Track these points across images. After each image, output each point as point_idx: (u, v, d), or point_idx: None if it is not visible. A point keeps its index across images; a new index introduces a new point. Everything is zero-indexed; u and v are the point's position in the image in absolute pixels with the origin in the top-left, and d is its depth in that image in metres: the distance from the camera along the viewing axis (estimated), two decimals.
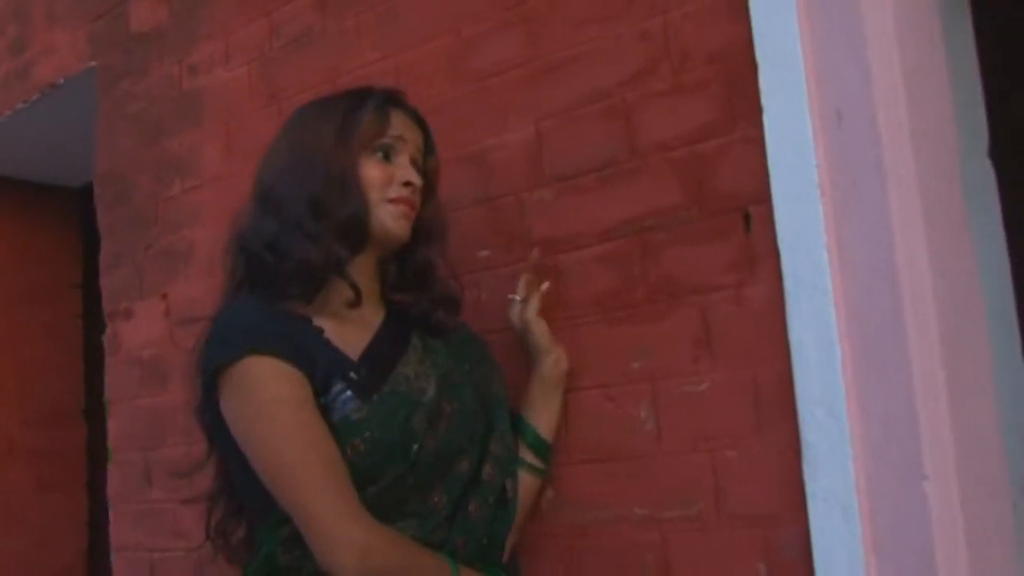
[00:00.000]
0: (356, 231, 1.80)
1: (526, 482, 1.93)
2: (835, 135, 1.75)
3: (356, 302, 1.81)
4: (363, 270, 1.84)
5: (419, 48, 2.32)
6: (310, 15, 2.55)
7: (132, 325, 2.95)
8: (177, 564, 2.75)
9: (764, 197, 1.81)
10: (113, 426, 2.99)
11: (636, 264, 1.95)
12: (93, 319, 3.89)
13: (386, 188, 1.82)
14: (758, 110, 1.82)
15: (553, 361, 1.97)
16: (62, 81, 3.26)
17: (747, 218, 1.83)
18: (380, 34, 2.41)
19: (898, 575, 1.65)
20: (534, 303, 1.98)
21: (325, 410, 1.70)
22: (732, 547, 1.82)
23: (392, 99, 1.89)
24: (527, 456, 1.95)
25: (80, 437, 4.12)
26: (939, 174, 1.78)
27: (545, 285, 1.99)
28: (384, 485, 1.71)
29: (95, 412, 3.95)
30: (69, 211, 4.24)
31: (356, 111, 1.84)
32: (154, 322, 2.88)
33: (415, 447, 1.73)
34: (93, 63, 3.14)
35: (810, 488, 1.72)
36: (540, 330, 1.97)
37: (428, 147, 1.93)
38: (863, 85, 1.73)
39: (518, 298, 1.99)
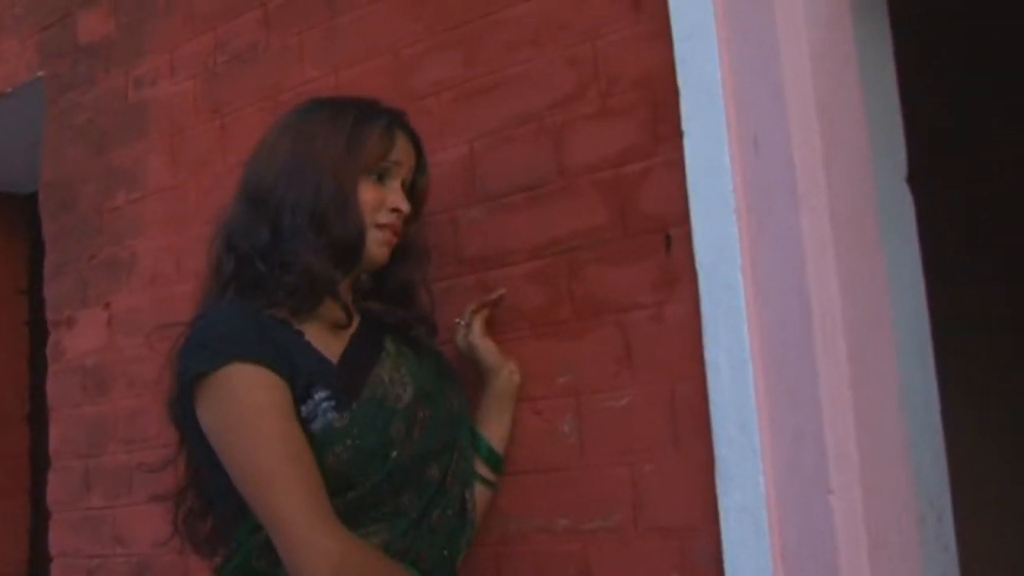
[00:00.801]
0: (352, 253, 1.82)
1: (478, 494, 1.96)
2: (752, 161, 1.82)
3: (347, 324, 1.83)
4: (344, 286, 1.86)
5: (359, 66, 2.37)
6: (254, 32, 2.59)
7: (75, 333, 2.97)
8: (115, 570, 2.77)
9: (684, 219, 1.87)
10: (54, 433, 3.01)
11: (563, 282, 2.01)
12: (40, 326, 3.89)
13: (376, 212, 1.83)
14: (679, 135, 1.88)
15: (506, 376, 2.01)
16: (10, 90, 3.29)
17: (668, 239, 1.89)
18: (322, 52, 2.45)
19: None
20: (476, 326, 2.02)
21: (307, 418, 1.71)
22: (649, 557, 1.88)
23: (398, 121, 1.90)
24: (480, 469, 1.98)
25: (23, 443, 4.12)
26: (852, 200, 1.84)
27: (485, 312, 2.03)
28: (363, 491, 1.74)
29: (39, 418, 3.95)
30: (17, 218, 4.25)
31: (364, 128, 1.83)
32: (97, 331, 2.90)
33: (393, 454, 1.76)
34: (41, 73, 3.16)
35: (723, 501, 1.78)
36: (486, 349, 2.01)
37: (420, 167, 1.94)
38: (779, 114, 1.79)
39: (462, 323, 2.03)
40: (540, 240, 2.05)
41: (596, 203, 1.99)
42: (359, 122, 1.84)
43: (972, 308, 3.66)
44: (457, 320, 2.04)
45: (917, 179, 2.04)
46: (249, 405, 1.69)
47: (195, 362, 1.72)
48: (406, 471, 1.79)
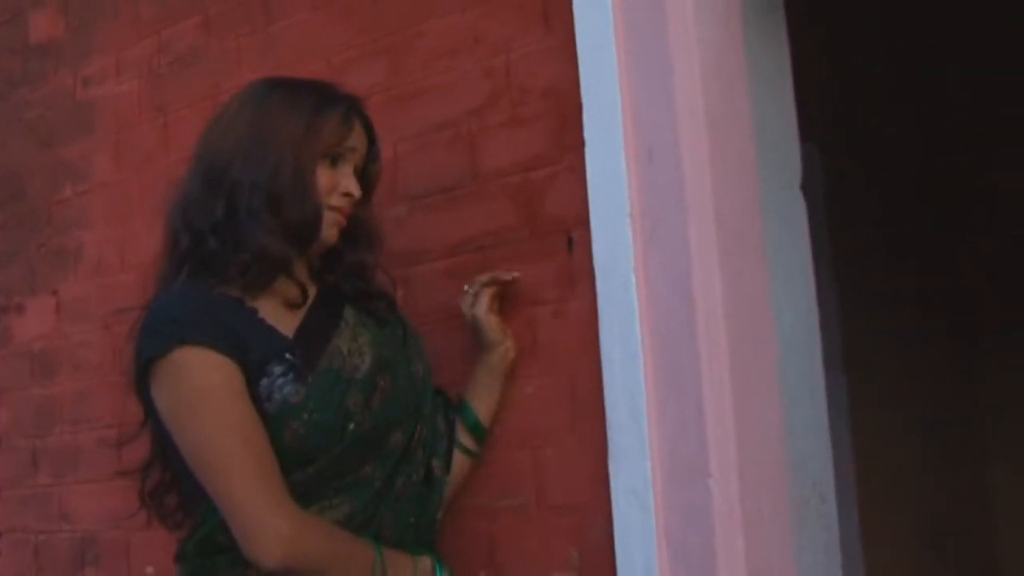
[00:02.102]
0: (307, 235, 1.84)
1: (460, 463, 2.02)
2: (646, 171, 1.96)
3: (301, 302, 1.85)
4: (299, 265, 1.88)
5: (293, 71, 2.45)
6: (196, 36, 2.72)
7: (24, 320, 3.08)
8: (60, 545, 2.89)
9: (585, 223, 2.01)
10: (3, 415, 3.12)
11: (475, 278, 2.13)
12: None
13: (329, 195, 1.85)
14: (582, 144, 2.02)
15: (502, 353, 2.06)
16: None
17: (570, 241, 2.04)
18: (259, 56, 2.58)
19: (685, 562, 1.86)
20: (484, 300, 2.05)
21: (265, 396, 1.73)
22: (550, 534, 2.03)
23: (356, 108, 1.92)
24: (464, 438, 2.03)
25: None
26: (738, 207, 1.98)
27: (495, 288, 2.06)
28: (322, 464, 1.77)
29: None
30: None
31: (324, 112, 1.84)
32: (44, 317, 3.02)
33: (351, 426, 1.78)
34: None
35: (614, 483, 1.93)
36: (489, 323, 2.04)
37: (373, 155, 1.95)
38: (671, 127, 1.93)
39: (471, 291, 2.06)
40: (455, 238, 2.19)
41: (506, 206, 2.13)
42: (319, 106, 1.85)
43: (887, 319, 3.84)
44: (466, 287, 2.08)
45: (831, 193, 2.20)
46: (198, 388, 1.71)
47: (146, 346, 1.76)
48: (367, 441, 1.81)
